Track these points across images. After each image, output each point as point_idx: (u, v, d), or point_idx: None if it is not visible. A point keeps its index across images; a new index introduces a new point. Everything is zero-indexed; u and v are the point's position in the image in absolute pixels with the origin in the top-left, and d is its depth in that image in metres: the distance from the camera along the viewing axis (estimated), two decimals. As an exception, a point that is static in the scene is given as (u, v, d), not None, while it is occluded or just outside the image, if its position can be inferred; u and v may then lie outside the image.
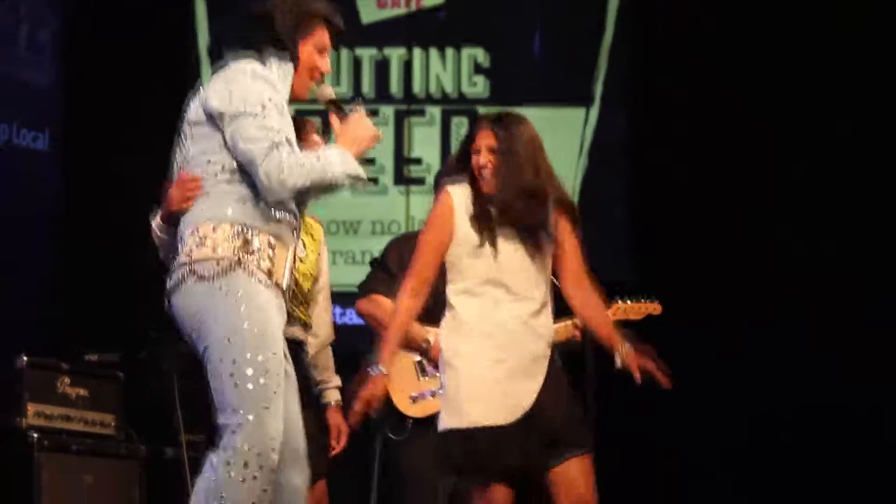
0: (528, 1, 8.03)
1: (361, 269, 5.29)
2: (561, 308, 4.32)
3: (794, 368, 7.14)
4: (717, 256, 7.33)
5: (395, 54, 7.95)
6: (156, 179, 3.91)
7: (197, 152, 3.69)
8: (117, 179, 7.17)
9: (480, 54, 7.94)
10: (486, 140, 4.16)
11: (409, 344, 4.82)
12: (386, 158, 7.83)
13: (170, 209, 3.75)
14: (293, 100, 3.78)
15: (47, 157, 7.48)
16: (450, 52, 7.95)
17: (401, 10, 7.95)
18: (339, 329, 5.06)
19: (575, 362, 4.66)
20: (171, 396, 5.69)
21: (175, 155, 3.78)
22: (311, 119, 4.81)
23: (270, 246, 3.67)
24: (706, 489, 7.27)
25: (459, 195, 4.15)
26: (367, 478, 5.12)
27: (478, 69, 7.94)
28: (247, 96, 3.62)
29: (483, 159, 4.15)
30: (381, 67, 7.94)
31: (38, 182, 7.43)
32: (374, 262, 5.12)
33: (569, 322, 4.78)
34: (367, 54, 7.94)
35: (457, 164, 4.25)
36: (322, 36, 3.81)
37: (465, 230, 4.12)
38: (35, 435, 5.61)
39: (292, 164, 3.58)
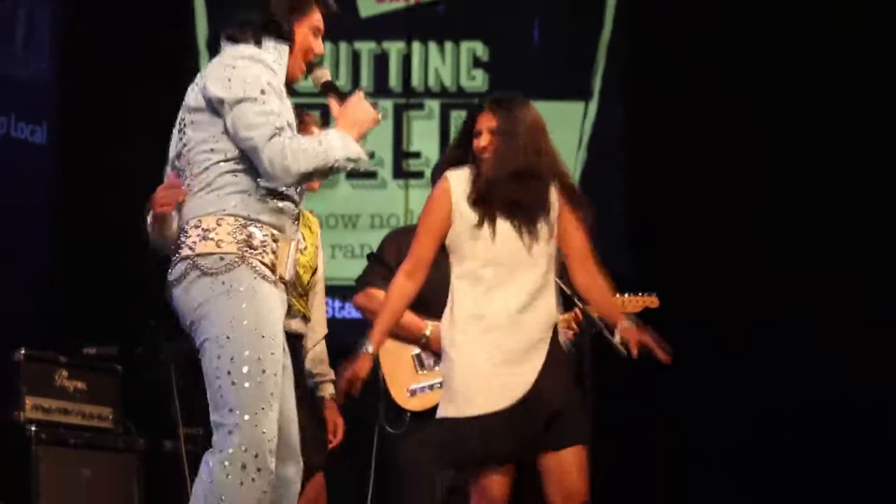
0: (527, -5, 8.04)
1: (360, 263, 5.28)
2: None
3: (794, 367, 7.13)
4: (715, 252, 7.32)
5: (394, 48, 7.95)
6: (154, 172, 3.90)
7: (198, 140, 3.66)
8: (115, 172, 7.16)
9: (479, 48, 7.94)
10: (487, 122, 4.17)
11: (407, 336, 4.83)
12: (385, 152, 7.82)
13: (153, 210, 3.73)
14: (288, 81, 3.76)
15: (45, 150, 7.47)
16: (449, 45, 7.94)
17: (399, 4, 7.95)
18: (338, 323, 5.07)
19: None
20: (169, 389, 5.68)
21: (173, 141, 3.75)
22: (310, 112, 4.80)
23: (274, 239, 3.66)
24: (707, 488, 7.27)
25: (458, 179, 4.16)
26: (365, 471, 5.11)
27: (477, 63, 7.93)
28: (246, 81, 3.60)
29: (484, 141, 4.16)
30: (380, 61, 7.94)
31: (36, 175, 7.42)
32: (371, 256, 5.11)
33: (565, 316, 4.78)
34: (365, 48, 7.93)
35: (457, 148, 4.25)
36: (316, 17, 3.81)
37: (463, 212, 4.12)
38: (33, 428, 5.61)
39: (296, 150, 3.56)
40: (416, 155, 7.90)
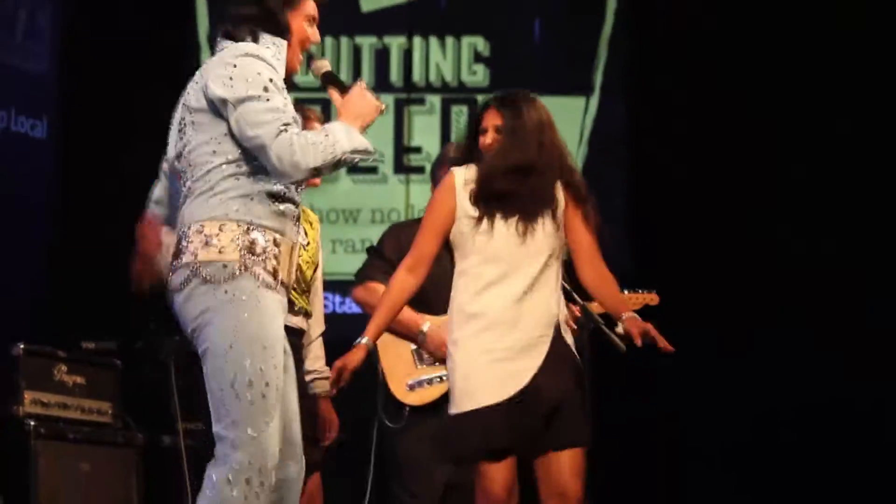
0: (527, -10, 8.04)
1: (361, 258, 5.28)
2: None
3: (794, 366, 7.13)
4: (715, 252, 7.31)
5: (395, 43, 7.94)
6: (154, 169, 3.89)
7: (200, 142, 3.62)
8: (115, 168, 7.15)
9: (480, 43, 7.93)
10: (492, 120, 4.19)
11: (403, 331, 4.82)
12: (386, 147, 7.81)
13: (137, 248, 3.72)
14: (287, 74, 3.72)
15: (45, 144, 7.46)
16: (450, 40, 7.93)
17: (401, -1, 7.95)
18: (338, 318, 5.06)
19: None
20: (168, 384, 5.67)
21: (172, 140, 3.72)
22: (311, 107, 4.79)
23: (276, 244, 3.62)
24: (707, 488, 7.26)
25: (463, 174, 4.17)
26: (364, 466, 5.11)
27: (478, 58, 7.92)
28: (248, 79, 3.56)
29: (489, 139, 4.18)
30: (381, 56, 7.93)
31: (36, 169, 7.41)
32: (371, 250, 5.09)
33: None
34: (366, 43, 7.92)
35: (465, 145, 4.26)
36: (310, 6, 3.77)
37: (465, 207, 4.13)
38: (32, 423, 5.60)
39: (304, 145, 3.52)
40: (417, 150, 7.89)
